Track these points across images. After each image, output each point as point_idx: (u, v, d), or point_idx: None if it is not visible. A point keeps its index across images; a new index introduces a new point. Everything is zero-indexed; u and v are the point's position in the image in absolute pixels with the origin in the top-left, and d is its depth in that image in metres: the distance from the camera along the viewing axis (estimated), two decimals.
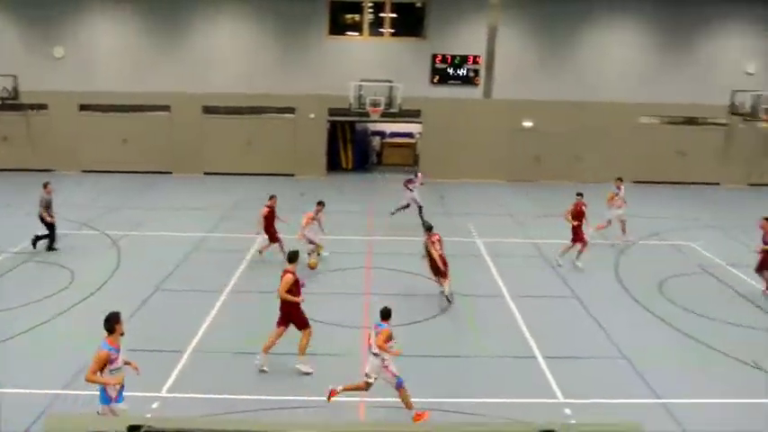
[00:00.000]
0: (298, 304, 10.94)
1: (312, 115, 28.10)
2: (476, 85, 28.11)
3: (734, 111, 29.05)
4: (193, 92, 27.97)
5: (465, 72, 28.00)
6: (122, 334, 8.32)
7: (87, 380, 8.15)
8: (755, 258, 15.80)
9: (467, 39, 27.87)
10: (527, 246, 18.97)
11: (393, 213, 20.32)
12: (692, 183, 29.42)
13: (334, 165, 29.79)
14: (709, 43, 28.99)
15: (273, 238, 16.43)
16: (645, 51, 28.81)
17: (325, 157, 28.72)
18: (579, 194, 17.32)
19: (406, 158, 31.90)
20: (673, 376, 11.38)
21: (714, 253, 18.78)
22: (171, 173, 28.43)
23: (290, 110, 28.18)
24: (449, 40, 27.98)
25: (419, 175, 20.90)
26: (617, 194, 19.00)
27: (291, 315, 10.97)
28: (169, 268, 15.99)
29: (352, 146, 30.56)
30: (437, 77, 28.01)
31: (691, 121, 29.85)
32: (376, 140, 32.40)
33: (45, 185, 17.33)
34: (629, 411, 10.02)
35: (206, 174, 28.30)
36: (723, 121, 29.68)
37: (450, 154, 28.73)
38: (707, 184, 29.63)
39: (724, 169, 30.04)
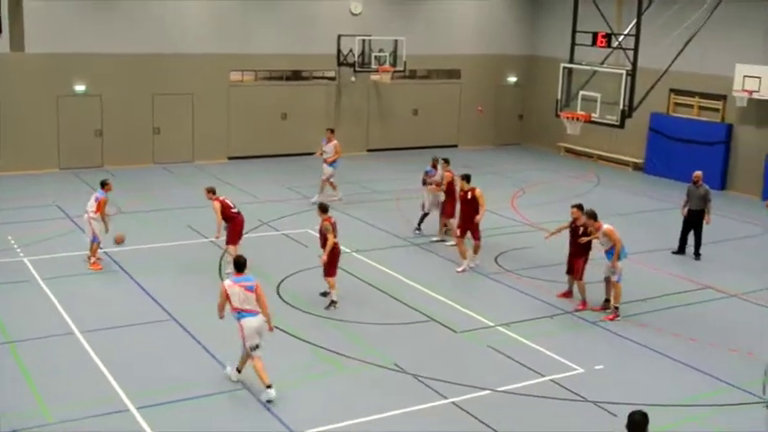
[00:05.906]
0: None
1: None
2: None
3: (342, 61, 33.95)
4: None
5: None
6: None
7: None
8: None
9: None
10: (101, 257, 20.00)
11: (418, 230, 23.38)
12: (300, 153, 33.25)
13: None
14: None
15: None
16: None
17: None
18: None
19: None
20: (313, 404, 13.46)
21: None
22: None
23: None
24: None
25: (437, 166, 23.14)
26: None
27: None
28: None
29: None
30: None
31: (296, 76, 34.28)
32: None
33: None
34: None
35: None
36: (332, 74, 34.67)
37: None
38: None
39: (338, 134, 34.91)
